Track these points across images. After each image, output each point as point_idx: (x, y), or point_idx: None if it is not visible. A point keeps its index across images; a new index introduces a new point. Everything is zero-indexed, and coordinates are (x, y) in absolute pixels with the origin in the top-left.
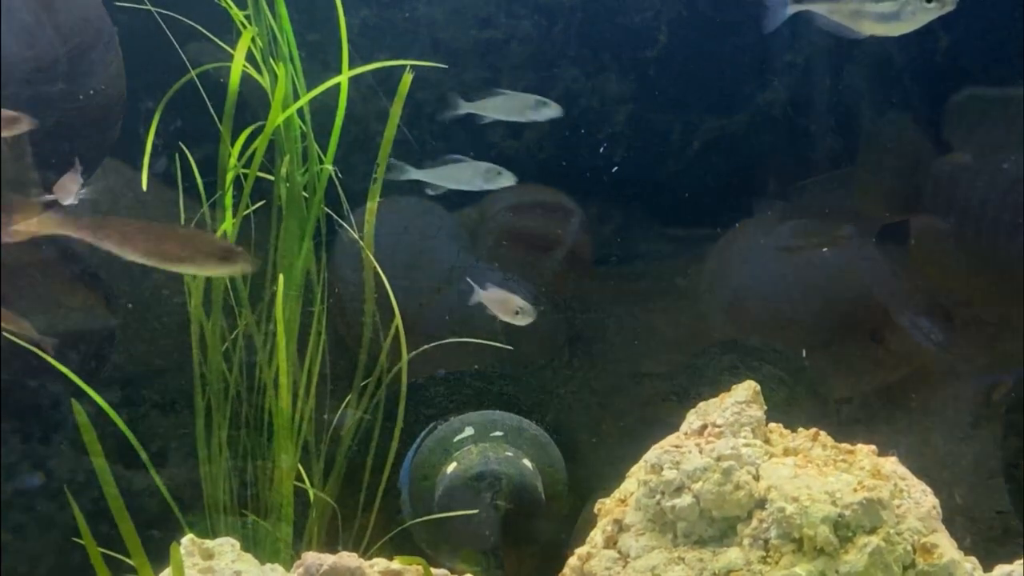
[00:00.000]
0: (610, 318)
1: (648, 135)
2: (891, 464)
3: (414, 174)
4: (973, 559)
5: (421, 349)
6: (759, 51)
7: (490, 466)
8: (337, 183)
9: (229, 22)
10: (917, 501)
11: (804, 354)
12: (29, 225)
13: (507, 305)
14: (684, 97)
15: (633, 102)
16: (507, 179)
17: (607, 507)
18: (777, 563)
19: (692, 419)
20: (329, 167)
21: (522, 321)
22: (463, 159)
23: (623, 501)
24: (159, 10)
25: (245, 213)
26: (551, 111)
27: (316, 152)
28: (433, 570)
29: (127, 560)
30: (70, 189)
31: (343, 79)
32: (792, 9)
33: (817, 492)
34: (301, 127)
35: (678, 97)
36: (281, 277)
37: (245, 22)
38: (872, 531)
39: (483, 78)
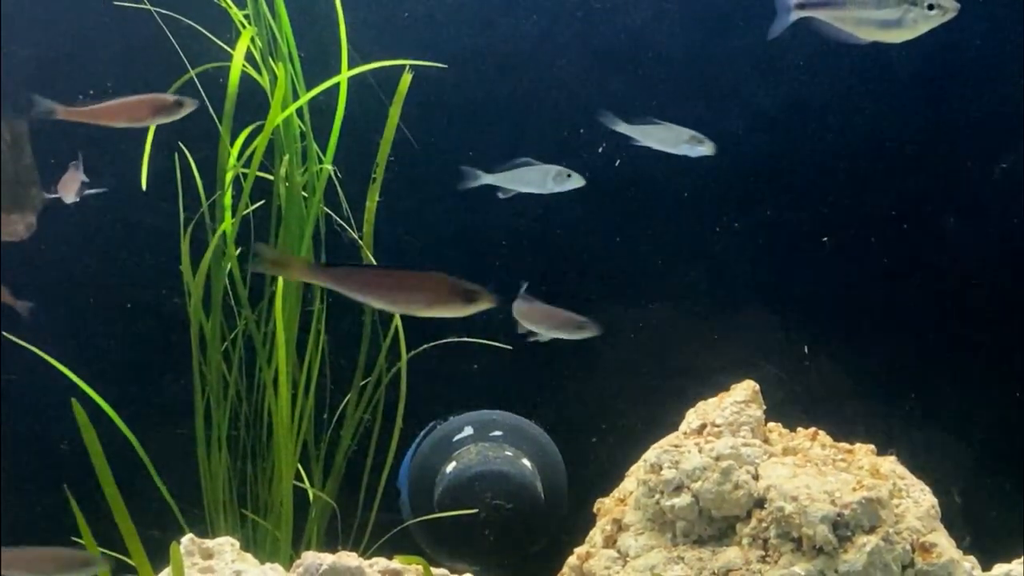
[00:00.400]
0: (609, 316)
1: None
2: (890, 463)
3: (485, 179)
4: (972, 558)
5: (420, 348)
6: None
7: (489, 466)
8: (336, 183)
9: (228, 22)
10: (916, 500)
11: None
12: (286, 272)
13: (560, 321)
14: (680, 97)
15: (633, 102)
16: (576, 181)
17: (606, 506)
18: (776, 562)
19: (691, 418)
20: (328, 167)
21: (585, 335)
22: (533, 162)
23: (622, 500)
24: (159, 10)
25: (244, 213)
26: (705, 148)
27: (315, 152)
28: (433, 570)
29: (127, 560)
30: (72, 187)
31: (342, 78)
32: (795, 15)
33: (816, 491)
34: (300, 127)
35: (675, 96)
36: (280, 277)
37: (244, 22)
38: (871, 530)
39: (482, 77)
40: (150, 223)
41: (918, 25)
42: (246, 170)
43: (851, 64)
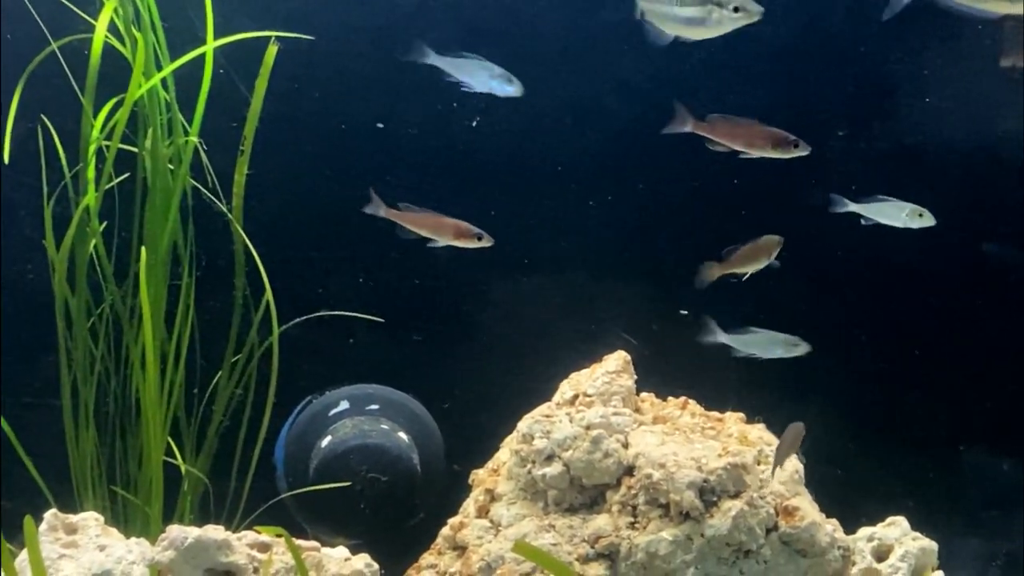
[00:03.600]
0: (485, 290)
1: (521, 112)
2: (758, 431)
3: (852, 207)
4: (834, 521)
5: (292, 323)
6: None
7: (365, 439)
8: (204, 155)
9: None
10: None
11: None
12: None
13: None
14: (552, 70)
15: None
16: (928, 220)
17: (480, 477)
18: (645, 528)
19: (564, 389)
20: (194, 139)
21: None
22: (889, 200)
23: (495, 471)
24: None
25: (108, 186)
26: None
27: (181, 123)
28: (303, 542)
29: None
30: None
31: (208, 49)
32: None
33: (683, 458)
34: (166, 98)
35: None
36: (144, 251)
37: None
38: (736, 495)
39: (353, 50)
40: (13, 197)
41: (722, 25)
42: (109, 142)
43: (720, 39)
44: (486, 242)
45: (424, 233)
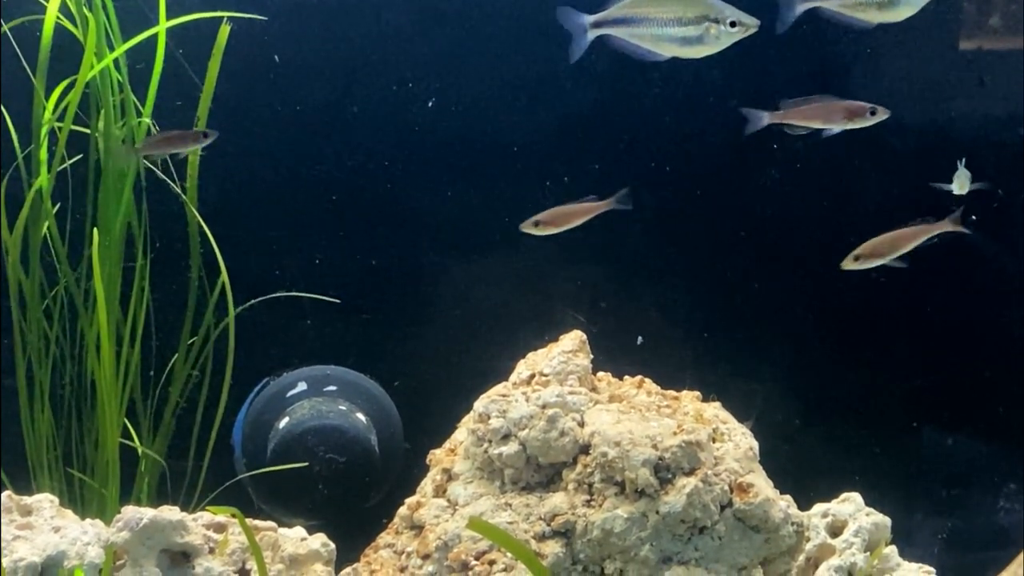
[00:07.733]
0: (441, 271)
1: (476, 92)
2: (713, 409)
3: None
4: (788, 497)
5: (248, 304)
6: None
7: (322, 420)
8: None
9: None
10: (736, 443)
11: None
12: None
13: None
14: (507, 51)
15: (460, 56)
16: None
17: (437, 457)
18: (600, 506)
19: (521, 369)
20: (147, 120)
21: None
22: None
23: (452, 450)
24: None
25: (61, 167)
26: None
27: (134, 104)
28: (260, 523)
29: None
30: None
31: (160, 30)
32: (592, 35)
33: (638, 436)
34: (118, 79)
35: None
36: (96, 232)
37: None
38: (691, 472)
39: (307, 30)
40: None
41: (720, 41)
42: (63, 124)
43: None
44: (882, 115)
45: (816, 125)
